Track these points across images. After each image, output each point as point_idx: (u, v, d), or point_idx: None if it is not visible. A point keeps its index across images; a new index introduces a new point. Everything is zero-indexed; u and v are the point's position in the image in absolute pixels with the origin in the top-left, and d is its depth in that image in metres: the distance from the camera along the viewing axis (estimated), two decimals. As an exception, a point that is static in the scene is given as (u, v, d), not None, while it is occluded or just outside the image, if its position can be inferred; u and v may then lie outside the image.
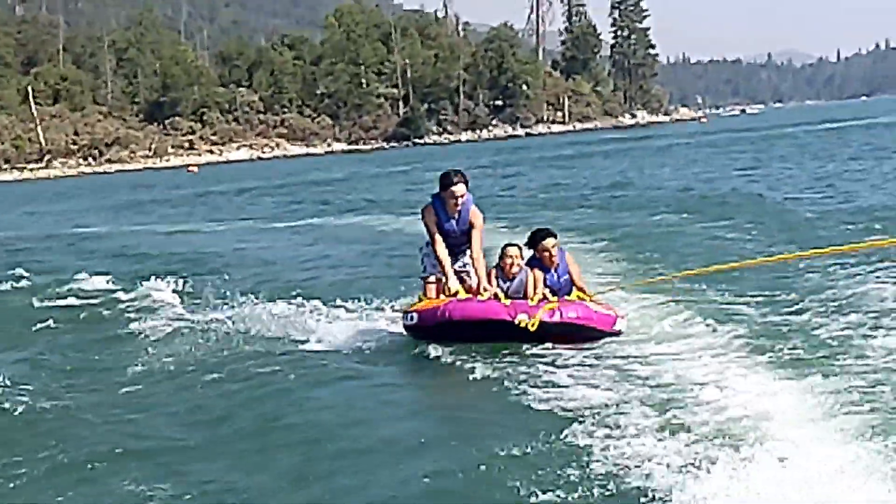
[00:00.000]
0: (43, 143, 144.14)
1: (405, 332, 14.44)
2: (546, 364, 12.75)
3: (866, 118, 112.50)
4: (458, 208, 14.47)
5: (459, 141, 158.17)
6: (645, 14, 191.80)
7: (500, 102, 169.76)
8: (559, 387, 11.69)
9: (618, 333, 14.02)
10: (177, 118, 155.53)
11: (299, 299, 17.82)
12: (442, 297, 14.38)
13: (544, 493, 8.43)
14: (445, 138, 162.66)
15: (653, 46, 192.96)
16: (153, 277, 21.08)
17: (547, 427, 10.04)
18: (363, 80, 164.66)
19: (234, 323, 16.39)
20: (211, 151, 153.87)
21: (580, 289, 14.63)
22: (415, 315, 14.15)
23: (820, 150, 59.61)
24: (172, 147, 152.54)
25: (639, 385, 11.54)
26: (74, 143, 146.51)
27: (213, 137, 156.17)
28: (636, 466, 8.80)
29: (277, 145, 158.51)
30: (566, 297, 14.27)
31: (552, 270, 14.47)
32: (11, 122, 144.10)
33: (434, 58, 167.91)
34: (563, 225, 27.58)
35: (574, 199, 38.37)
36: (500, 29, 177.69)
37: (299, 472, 9.48)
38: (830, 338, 12.81)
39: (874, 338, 12.56)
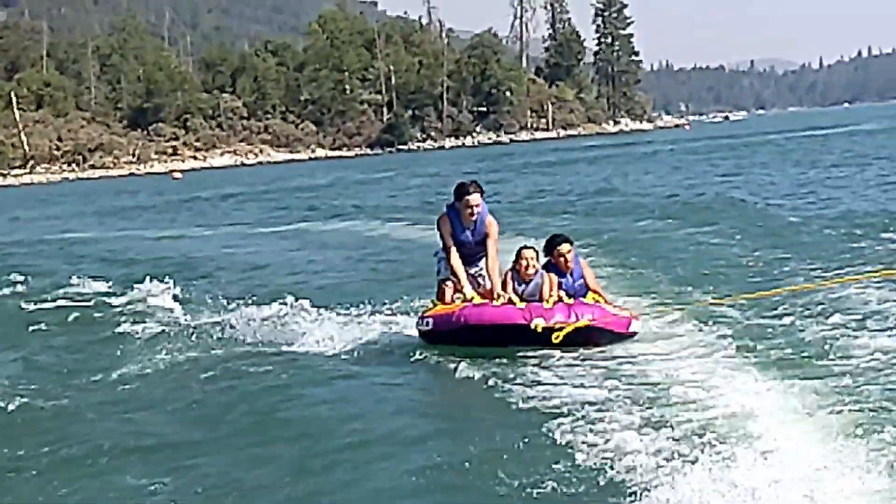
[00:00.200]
0: (26, 149, 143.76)
1: (420, 338, 14.43)
2: (534, 363, 13.02)
3: (848, 125, 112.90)
4: (474, 218, 14.49)
5: (443, 147, 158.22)
6: (628, 21, 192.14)
7: (483, 109, 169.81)
8: (547, 385, 11.96)
9: (633, 335, 14.05)
10: (160, 124, 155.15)
11: (290, 302, 17.94)
12: (457, 299, 14.41)
13: (532, 487, 8.68)
14: (429, 145, 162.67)
15: (636, 53, 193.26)
16: (146, 281, 21.20)
17: (535, 424, 10.33)
18: (347, 87, 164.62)
19: (226, 325, 16.59)
20: (194, 157, 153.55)
21: (595, 292, 14.67)
22: (430, 320, 14.13)
23: (802, 156, 59.90)
24: (156, 153, 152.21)
25: (625, 384, 11.80)
26: (58, 148, 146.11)
27: (197, 143, 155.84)
28: (620, 461, 9.05)
29: (261, 151, 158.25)
30: (582, 300, 14.27)
31: (567, 275, 14.51)
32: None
33: (418, 64, 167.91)
34: (549, 230, 27.75)
35: (559, 205, 38.57)
36: (484, 36, 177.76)
37: (296, 467, 9.72)
38: (814, 339, 13.05)
39: (857, 339, 12.80)
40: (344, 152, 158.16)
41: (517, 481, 8.81)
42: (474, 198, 14.43)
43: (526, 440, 9.87)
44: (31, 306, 20.18)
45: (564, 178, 56.83)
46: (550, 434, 9.97)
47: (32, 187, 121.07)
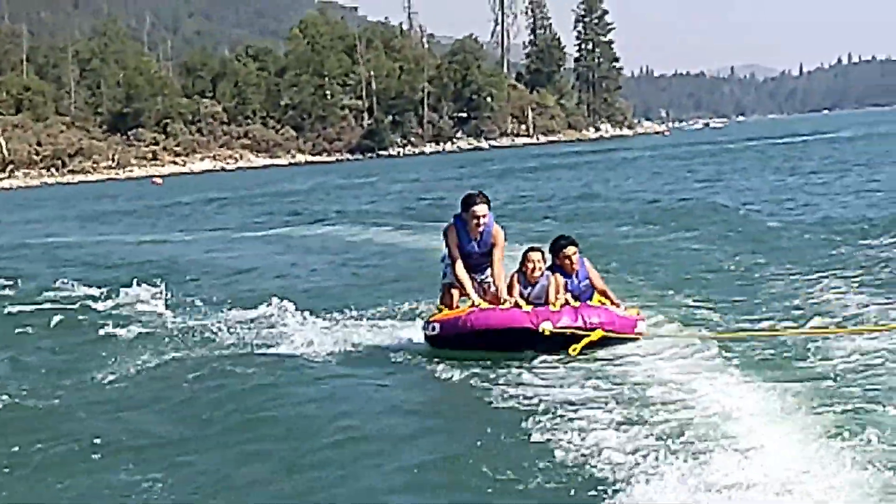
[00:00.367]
0: (5, 154, 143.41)
1: (426, 342, 14.43)
2: (517, 364, 13.21)
3: (827, 132, 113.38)
4: (480, 229, 14.51)
5: (424, 153, 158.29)
6: (609, 27, 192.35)
7: (464, 115, 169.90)
8: (529, 385, 12.20)
9: (639, 336, 14.12)
10: (140, 129, 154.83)
11: (275, 305, 18.14)
12: (461, 304, 14.50)
13: (513, 483, 8.91)
14: (410, 150, 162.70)
15: (617, 60, 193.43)
16: (131, 285, 21.31)
17: (516, 422, 10.56)
18: (328, 92, 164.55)
19: (213, 328, 16.76)
20: (174, 162, 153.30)
21: (602, 292, 14.73)
22: (436, 325, 14.14)
23: (782, 163, 60.22)
24: (136, 158, 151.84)
25: (606, 384, 12.03)
26: (37, 153, 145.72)
27: (177, 148, 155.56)
28: (599, 459, 9.26)
29: (241, 156, 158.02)
30: (588, 302, 14.33)
31: (573, 276, 14.55)
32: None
33: (399, 70, 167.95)
34: (532, 236, 27.97)
35: (541, 211, 38.75)
36: (465, 41, 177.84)
37: (285, 464, 9.90)
38: (794, 341, 13.22)
39: (836, 341, 12.98)
40: (324, 158, 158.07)
41: (499, 478, 9.03)
42: (481, 208, 14.45)
43: (507, 438, 10.11)
44: (17, 309, 20.25)
45: (546, 184, 57.02)
46: (531, 432, 10.18)
47: (11, 192, 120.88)
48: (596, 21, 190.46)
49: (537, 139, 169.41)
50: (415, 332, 15.64)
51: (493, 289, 14.52)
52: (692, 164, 66.74)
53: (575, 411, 10.82)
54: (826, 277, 18.23)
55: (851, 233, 24.22)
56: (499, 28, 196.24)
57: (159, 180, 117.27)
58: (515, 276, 14.49)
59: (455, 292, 14.56)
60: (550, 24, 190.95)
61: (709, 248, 23.91)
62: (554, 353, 13.36)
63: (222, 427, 11.29)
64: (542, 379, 12.47)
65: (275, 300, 18.35)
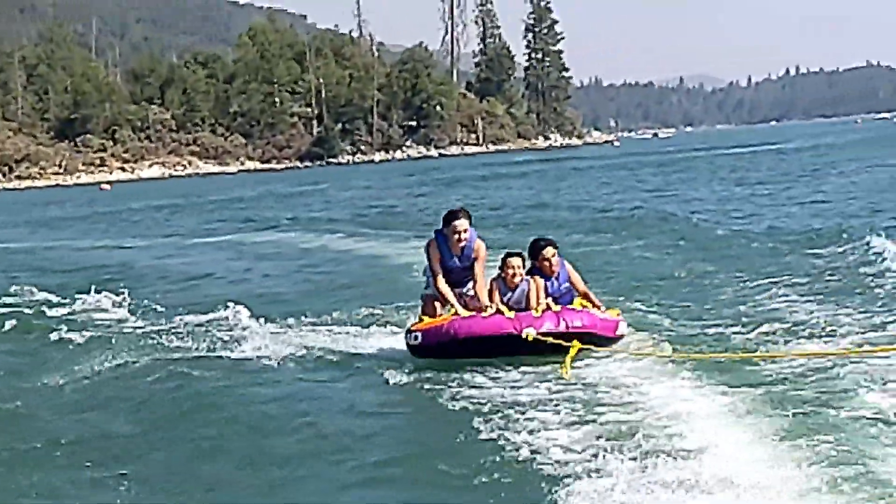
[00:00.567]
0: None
1: (409, 352, 14.32)
2: (471, 365, 13.47)
3: (775, 143, 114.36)
4: (462, 244, 14.47)
5: (373, 161, 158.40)
6: (559, 37, 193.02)
7: (413, 123, 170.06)
8: (482, 387, 12.50)
9: (621, 337, 14.25)
10: (88, 135, 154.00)
11: (230, 310, 18.27)
12: (443, 314, 14.45)
13: (464, 479, 9.24)
14: (359, 158, 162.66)
15: (566, 69, 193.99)
16: (88, 289, 21.35)
17: (468, 422, 10.86)
18: (277, 99, 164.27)
19: (170, 332, 16.89)
20: (122, 169, 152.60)
21: (584, 294, 14.71)
22: (418, 334, 14.05)
23: (729, 173, 60.77)
24: (83, 164, 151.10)
25: (558, 386, 12.32)
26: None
27: (125, 155, 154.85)
28: (549, 456, 9.57)
29: (190, 163, 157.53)
30: (569, 306, 14.31)
31: (553, 279, 14.50)
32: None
33: (348, 78, 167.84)
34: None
35: (492, 219, 38.93)
36: (415, 50, 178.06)
37: (244, 462, 10.22)
38: (744, 346, 13.55)
39: (784, 346, 13.33)
40: (273, 165, 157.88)
41: (451, 475, 9.36)
42: (462, 223, 14.45)
43: (459, 437, 10.40)
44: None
45: (496, 193, 57.30)
46: (483, 432, 10.48)
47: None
48: (545, 31, 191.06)
49: (487, 148, 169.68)
50: (369, 337, 15.98)
51: (475, 302, 14.42)
52: (641, 174, 67.25)
53: (526, 412, 11.12)
54: (774, 285, 18.61)
55: (798, 242, 24.59)
56: (448, 37, 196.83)
57: (107, 186, 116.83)
58: (495, 282, 14.46)
59: (437, 304, 14.52)
60: (500, 33, 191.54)
61: (659, 256, 24.25)
62: (538, 357, 13.45)
63: (182, 427, 11.51)
64: (495, 381, 12.75)
65: (230, 305, 18.48)
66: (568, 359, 13.16)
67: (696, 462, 9.05)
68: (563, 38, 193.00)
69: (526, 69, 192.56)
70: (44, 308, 20.47)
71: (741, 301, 17.29)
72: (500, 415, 11.04)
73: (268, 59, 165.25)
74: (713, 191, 46.05)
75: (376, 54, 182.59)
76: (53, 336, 17.33)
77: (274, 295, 22.07)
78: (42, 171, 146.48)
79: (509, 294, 14.31)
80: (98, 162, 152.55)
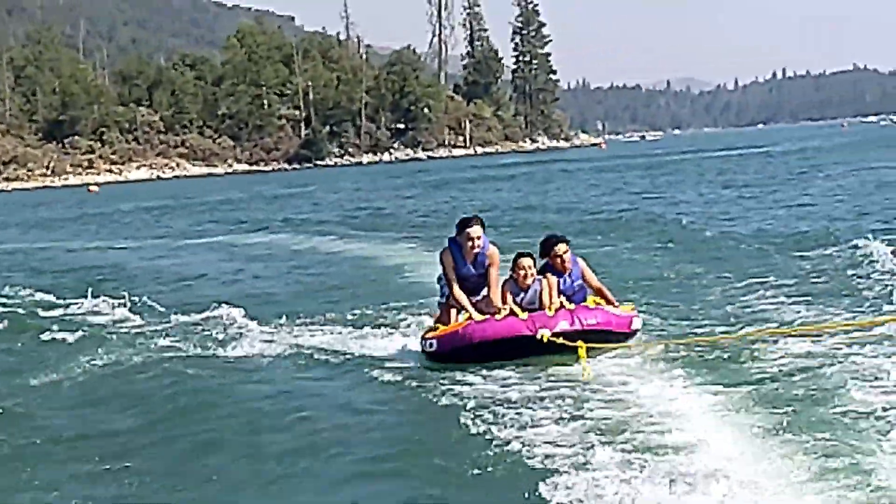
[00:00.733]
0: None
1: (426, 359, 14.24)
2: (463, 363, 13.66)
3: (762, 146, 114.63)
4: (475, 251, 14.41)
5: (361, 163, 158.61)
6: (546, 40, 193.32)
7: (401, 125, 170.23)
8: (472, 384, 12.71)
9: (635, 333, 14.29)
10: (76, 137, 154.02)
11: (224, 310, 18.56)
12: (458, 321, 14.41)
13: (455, 473, 9.46)
14: (347, 160, 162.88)
15: (554, 72, 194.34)
16: (81, 290, 21.56)
17: (459, 418, 11.08)
18: (265, 102, 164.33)
19: (164, 332, 17.20)
20: (110, 171, 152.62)
21: (598, 290, 14.69)
22: (434, 342, 14.00)
23: (716, 176, 60.93)
24: (71, 166, 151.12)
25: (548, 383, 12.52)
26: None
27: (113, 157, 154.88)
28: (539, 450, 9.78)
29: (178, 165, 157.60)
30: (583, 304, 14.27)
31: (566, 276, 14.42)
32: None
33: (336, 80, 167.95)
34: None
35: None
36: (403, 52, 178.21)
37: (239, 457, 10.49)
38: (730, 346, 13.77)
39: (769, 346, 13.54)
40: (261, 167, 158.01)
41: (444, 469, 9.57)
42: (475, 230, 14.38)
43: (451, 433, 10.63)
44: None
45: (484, 195, 57.45)
46: (474, 427, 10.70)
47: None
48: (533, 33, 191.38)
49: (474, 150, 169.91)
50: (362, 337, 16.18)
51: (490, 306, 14.36)
52: (629, 177, 67.42)
53: (516, 409, 11.34)
54: (762, 286, 18.81)
55: (785, 244, 24.77)
56: (436, 39, 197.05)
57: (95, 188, 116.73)
58: (507, 284, 14.37)
59: (453, 311, 14.47)
60: (488, 35, 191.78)
61: (648, 258, 24.43)
62: (540, 356, 13.52)
63: (179, 424, 11.74)
64: (485, 378, 12.95)
65: (224, 306, 18.78)
66: (583, 361, 13.15)
67: (686, 457, 9.23)
68: (550, 41, 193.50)
69: (513, 72, 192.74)
70: (38, 308, 20.72)
71: (729, 302, 17.50)
72: (490, 411, 11.24)
73: (255, 62, 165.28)
74: (700, 193, 46.23)
75: (364, 57, 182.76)
76: (47, 336, 17.58)
77: (266, 295, 22.27)
78: (30, 173, 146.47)
79: (522, 295, 14.21)
80: (86, 163, 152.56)
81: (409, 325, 17.04)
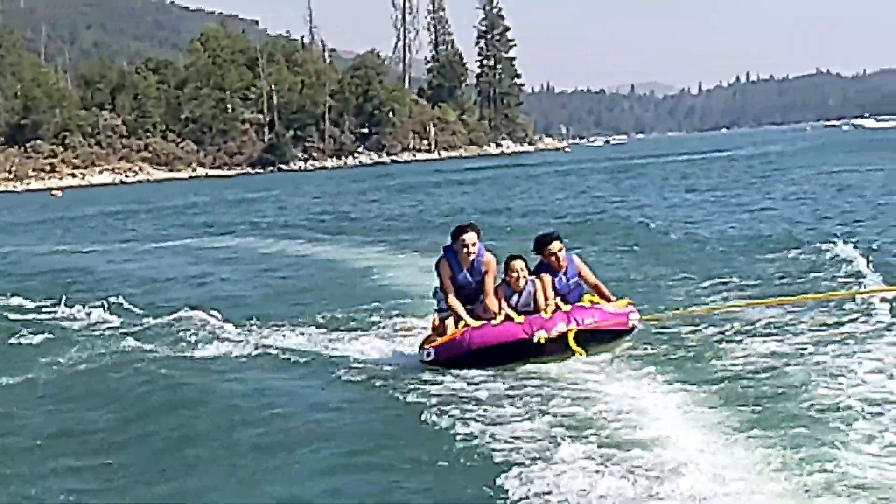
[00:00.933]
0: None
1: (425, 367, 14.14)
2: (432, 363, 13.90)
3: (726, 150, 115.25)
4: (471, 258, 14.33)
5: (325, 167, 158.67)
6: (511, 44, 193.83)
7: (366, 130, 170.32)
8: (440, 383, 12.90)
9: (633, 329, 14.33)
10: (38, 141, 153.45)
11: (193, 312, 18.78)
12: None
13: (425, 465, 9.70)
14: (311, 165, 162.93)
15: (518, 76, 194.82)
16: (50, 293, 21.64)
17: (427, 415, 11.26)
18: (228, 106, 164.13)
19: (135, 334, 17.36)
20: (73, 175, 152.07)
21: (594, 286, 14.67)
22: (431, 351, 14.00)
23: (681, 180, 61.32)
24: (33, 170, 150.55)
25: (518, 381, 12.73)
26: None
27: (76, 161, 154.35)
28: (507, 444, 10.01)
29: (141, 169, 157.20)
30: (579, 304, 14.28)
31: (560, 274, 14.34)
32: None
33: (300, 84, 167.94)
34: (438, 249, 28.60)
35: (446, 225, 39.17)
36: (367, 56, 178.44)
37: (211, 452, 10.67)
38: (696, 345, 14.02)
39: (731, 345, 13.87)
40: (225, 171, 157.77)
41: (412, 462, 9.81)
42: (470, 236, 14.35)
43: (420, 428, 10.87)
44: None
45: (451, 199, 57.61)
46: (442, 423, 10.92)
47: None
48: (498, 37, 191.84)
49: (439, 154, 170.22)
50: (332, 338, 16.42)
51: (487, 312, 14.30)
52: (594, 181, 67.72)
53: (484, 406, 11.57)
54: (726, 287, 19.10)
55: (748, 247, 25.05)
56: (401, 43, 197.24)
57: (58, 193, 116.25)
58: (499, 287, 14.31)
59: (449, 322, 14.30)
60: (452, 39, 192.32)
61: (614, 260, 24.62)
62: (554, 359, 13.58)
63: (154, 421, 11.94)
64: (455, 377, 13.15)
65: (194, 308, 18.95)
66: (572, 344, 13.43)
67: (652, 452, 9.44)
68: (515, 45, 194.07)
69: (478, 76, 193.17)
70: (7, 312, 20.73)
71: (694, 302, 17.70)
72: (458, 408, 11.46)
73: (219, 65, 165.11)
74: (665, 197, 46.51)
75: (328, 60, 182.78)
76: (17, 339, 17.65)
77: (236, 298, 22.41)
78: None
79: (515, 297, 14.20)
80: (48, 168, 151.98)
81: (378, 327, 17.23)
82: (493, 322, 13.87)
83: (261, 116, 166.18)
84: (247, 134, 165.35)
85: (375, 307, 19.20)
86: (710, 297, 18.09)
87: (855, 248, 21.64)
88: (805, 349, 13.22)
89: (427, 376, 13.29)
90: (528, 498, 8.58)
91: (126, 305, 20.41)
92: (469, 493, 8.88)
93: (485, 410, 11.31)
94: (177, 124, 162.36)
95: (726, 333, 14.63)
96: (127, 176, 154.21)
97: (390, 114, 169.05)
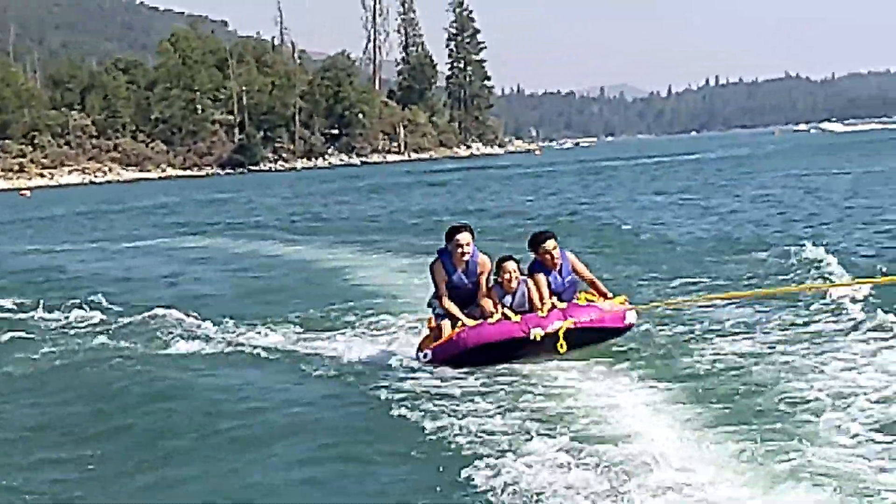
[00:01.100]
0: None
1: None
2: (401, 363, 14.18)
3: (695, 153, 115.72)
4: (465, 258, 14.29)
5: (295, 169, 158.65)
6: (481, 46, 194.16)
7: (335, 131, 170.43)
8: (412, 379, 13.16)
9: (630, 327, 14.36)
10: (7, 141, 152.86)
11: (166, 311, 18.94)
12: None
13: (396, 457, 9.91)
14: (281, 166, 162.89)
15: (488, 78, 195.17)
16: (24, 292, 21.70)
17: (401, 410, 11.45)
18: (198, 106, 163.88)
19: (109, 331, 17.54)
20: (42, 175, 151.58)
21: (591, 282, 14.69)
22: (428, 352, 14.02)
23: (651, 182, 61.63)
24: (2, 170, 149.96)
25: (490, 378, 12.91)
26: None
27: (45, 161, 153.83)
28: (479, 438, 10.22)
29: (110, 170, 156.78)
30: (575, 301, 14.27)
31: (555, 272, 14.31)
32: None
33: (270, 85, 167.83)
34: (411, 249, 28.87)
35: (416, 226, 39.43)
36: (337, 58, 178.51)
37: (192, 444, 10.85)
38: (667, 343, 14.27)
39: (699, 343, 14.14)
40: (195, 172, 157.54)
41: (384, 455, 10.00)
42: (464, 236, 14.28)
43: (392, 423, 11.06)
44: None
45: (422, 200, 57.72)
46: (415, 418, 11.09)
47: None
48: (468, 40, 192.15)
49: (408, 156, 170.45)
50: (305, 337, 16.62)
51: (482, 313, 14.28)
52: (564, 183, 67.91)
53: (456, 401, 11.78)
54: (694, 286, 19.34)
55: (717, 248, 25.29)
56: (371, 45, 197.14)
57: (27, 193, 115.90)
58: (493, 289, 14.29)
59: (445, 324, 14.27)
60: (423, 41, 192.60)
61: (586, 260, 24.74)
62: (550, 357, 13.64)
63: (129, 415, 12.08)
64: (429, 374, 13.40)
65: (168, 307, 19.03)
66: (562, 340, 13.54)
67: (621, 447, 9.60)
68: (485, 48, 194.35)
69: (448, 78, 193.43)
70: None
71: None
72: (431, 403, 11.67)
73: (189, 66, 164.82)
74: (635, 199, 46.71)
75: (298, 62, 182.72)
76: (-7, 338, 17.73)
77: (209, 297, 22.55)
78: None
79: (509, 299, 14.18)
80: (17, 167, 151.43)
81: (352, 326, 17.39)
82: (489, 321, 13.85)
83: (231, 117, 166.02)
84: (216, 135, 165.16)
85: (349, 307, 19.36)
86: (680, 298, 18.27)
87: (824, 249, 21.88)
88: (774, 347, 13.44)
89: (400, 373, 13.51)
90: (496, 489, 8.74)
91: (100, 304, 20.54)
92: (439, 484, 9.03)
93: (457, 406, 11.51)
94: (146, 125, 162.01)
95: (696, 332, 14.84)
96: (96, 176, 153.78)
97: (360, 115, 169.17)
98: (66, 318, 19.49)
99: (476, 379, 12.92)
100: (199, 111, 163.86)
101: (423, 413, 11.20)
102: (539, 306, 14.02)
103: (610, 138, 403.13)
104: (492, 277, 14.36)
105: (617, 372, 12.85)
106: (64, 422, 11.99)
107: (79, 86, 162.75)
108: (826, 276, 19.01)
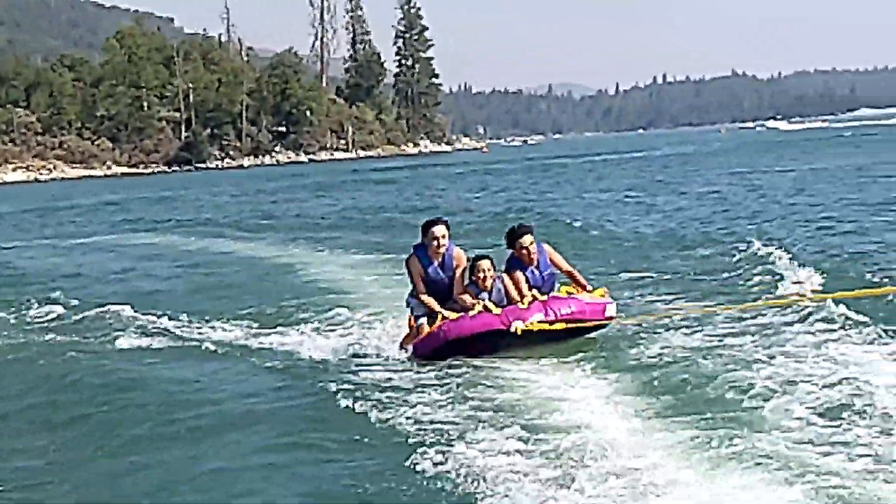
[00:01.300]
0: None
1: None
2: (359, 351, 14.45)
3: (642, 151, 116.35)
4: (441, 251, 14.35)
5: (242, 166, 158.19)
6: (429, 44, 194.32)
7: (283, 128, 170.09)
8: (370, 371, 13.37)
9: (610, 319, 14.41)
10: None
11: (119, 306, 18.99)
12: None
13: (346, 445, 10.11)
14: (228, 163, 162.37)
15: (436, 76, 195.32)
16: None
17: (350, 401, 11.62)
18: (144, 103, 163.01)
19: (60, 327, 17.68)
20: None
21: (569, 273, 14.77)
22: (409, 348, 14.21)
23: (598, 180, 61.93)
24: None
25: (441, 372, 13.11)
26: None
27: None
28: (429, 427, 10.45)
29: (55, 167, 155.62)
30: (555, 294, 14.36)
31: (533, 268, 14.33)
32: None
33: (217, 82, 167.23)
34: (362, 247, 29.03)
35: (364, 223, 39.57)
36: (285, 55, 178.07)
37: (149, 434, 11.00)
38: (618, 337, 14.52)
39: (654, 335, 14.35)
40: (141, 170, 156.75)
41: (335, 443, 10.20)
42: (439, 229, 14.35)
43: (343, 414, 11.24)
44: None
45: (371, 197, 57.80)
46: (360, 408, 11.31)
47: None
48: (416, 37, 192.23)
49: (356, 154, 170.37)
50: (257, 331, 16.70)
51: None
52: (512, 180, 68.15)
53: (406, 392, 12.02)
54: (642, 281, 19.66)
55: (663, 244, 25.66)
56: (318, 42, 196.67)
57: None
58: (468, 288, 14.30)
59: (424, 320, 14.32)
60: (370, 39, 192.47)
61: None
62: (531, 349, 13.75)
63: (83, 408, 12.24)
64: (383, 366, 13.68)
65: (120, 303, 19.11)
66: (536, 318, 13.65)
67: (573, 435, 9.83)
68: (432, 45, 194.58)
69: (396, 75, 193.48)
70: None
71: (614, 298, 18.13)
72: (383, 395, 11.87)
73: (135, 63, 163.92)
74: (582, 196, 46.97)
75: (245, 59, 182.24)
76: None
77: (162, 293, 22.62)
78: None
79: (485, 296, 14.16)
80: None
81: (304, 321, 17.50)
82: (469, 313, 13.88)
83: (177, 114, 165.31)
84: (163, 132, 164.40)
85: (301, 302, 19.48)
86: (629, 292, 18.55)
87: (767, 245, 22.20)
88: (722, 339, 13.72)
89: (352, 366, 13.69)
90: (445, 474, 8.97)
91: (52, 299, 20.60)
92: (388, 469, 9.25)
93: (407, 396, 11.73)
94: (92, 122, 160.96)
95: (645, 326, 15.04)
96: (41, 174, 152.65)
97: (308, 113, 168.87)
98: (20, 314, 19.54)
99: (429, 371, 13.11)
100: (146, 108, 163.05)
101: (374, 403, 11.39)
102: (518, 299, 14.06)
103: (558, 136, 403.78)
104: (466, 276, 14.39)
105: (569, 364, 13.07)
106: (21, 413, 12.14)
107: (24, 83, 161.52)
108: (771, 273, 19.23)
